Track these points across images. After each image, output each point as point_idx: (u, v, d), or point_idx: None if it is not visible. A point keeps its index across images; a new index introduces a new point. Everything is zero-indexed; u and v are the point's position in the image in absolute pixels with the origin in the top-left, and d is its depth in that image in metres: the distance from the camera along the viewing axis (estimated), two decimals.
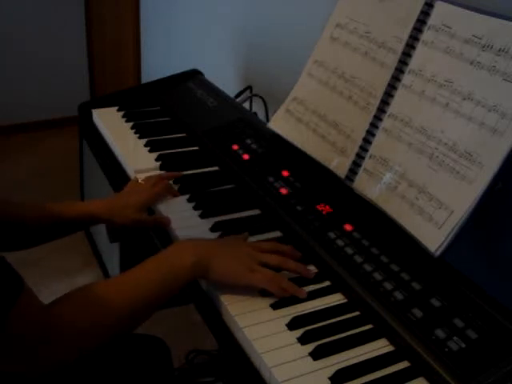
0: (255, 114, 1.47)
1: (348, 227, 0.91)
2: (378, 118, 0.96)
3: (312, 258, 0.89)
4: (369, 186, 0.94)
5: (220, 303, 0.79)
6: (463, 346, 0.70)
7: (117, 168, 1.21)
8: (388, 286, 0.79)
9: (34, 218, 0.97)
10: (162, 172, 1.14)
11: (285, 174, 1.06)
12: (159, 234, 0.98)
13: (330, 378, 0.68)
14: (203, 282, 0.84)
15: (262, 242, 0.88)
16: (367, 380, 0.69)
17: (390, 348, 0.74)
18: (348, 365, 0.70)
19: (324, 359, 0.71)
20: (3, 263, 0.65)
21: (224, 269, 0.80)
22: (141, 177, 1.10)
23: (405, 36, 0.94)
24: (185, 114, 1.38)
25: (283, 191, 1.01)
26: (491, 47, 0.82)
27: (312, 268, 0.87)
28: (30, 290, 0.67)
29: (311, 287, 0.83)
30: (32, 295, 0.68)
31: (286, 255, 0.84)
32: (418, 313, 0.74)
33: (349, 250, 0.86)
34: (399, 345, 0.73)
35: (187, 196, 1.05)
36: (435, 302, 0.76)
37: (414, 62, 0.92)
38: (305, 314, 0.77)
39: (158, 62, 2.58)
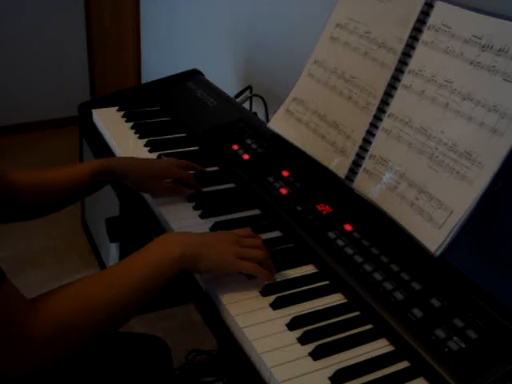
0: (255, 114, 1.47)
1: (348, 227, 0.91)
2: (378, 118, 0.96)
3: (312, 257, 0.89)
4: (369, 186, 0.94)
5: (220, 303, 0.79)
6: (463, 346, 0.70)
7: None
8: (388, 285, 0.79)
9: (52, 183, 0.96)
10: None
11: (285, 174, 1.06)
12: (159, 234, 0.98)
13: (330, 378, 0.68)
14: (202, 282, 0.84)
15: (241, 229, 0.88)
16: (367, 380, 0.69)
17: (390, 348, 0.74)
18: (348, 365, 0.70)
19: (324, 359, 0.71)
20: None
21: (214, 258, 0.79)
22: None
23: (405, 36, 0.94)
24: (185, 114, 1.38)
25: (283, 191, 1.01)
26: (491, 47, 0.82)
27: (312, 268, 0.88)
28: (12, 284, 0.66)
29: (311, 286, 0.83)
30: (14, 288, 0.66)
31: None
32: (418, 313, 0.74)
33: (349, 250, 0.86)
34: (399, 345, 0.73)
35: (187, 196, 1.04)
36: (435, 302, 0.76)
37: (414, 62, 0.92)
38: (305, 314, 0.77)
39: (159, 61, 2.58)
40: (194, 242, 0.80)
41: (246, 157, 1.13)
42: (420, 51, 0.92)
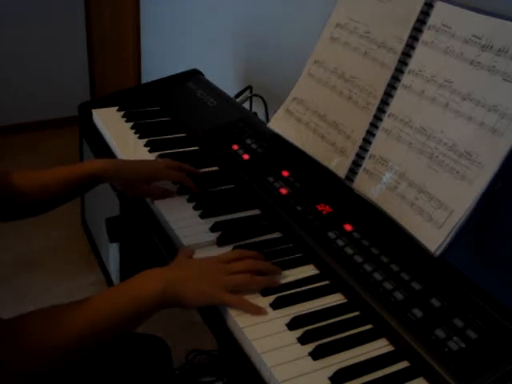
0: (255, 114, 1.47)
1: (348, 227, 0.91)
2: (378, 118, 0.96)
3: (312, 257, 0.89)
4: (369, 186, 0.94)
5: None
6: (463, 345, 0.70)
7: None
8: (388, 285, 0.79)
9: (41, 184, 0.97)
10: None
11: (285, 174, 1.06)
12: (159, 234, 0.98)
13: (330, 378, 0.68)
14: None
15: (228, 252, 0.86)
16: (367, 380, 0.69)
17: (390, 348, 0.74)
18: (348, 365, 0.70)
19: (324, 359, 0.71)
20: None
21: (196, 293, 0.77)
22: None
23: (405, 36, 0.94)
24: (185, 114, 1.38)
25: (283, 191, 1.01)
26: (491, 47, 0.82)
27: (312, 268, 0.88)
28: None
29: (311, 286, 0.83)
30: None
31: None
32: (418, 313, 0.74)
33: (349, 250, 0.86)
34: (399, 345, 0.73)
35: (187, 196, 1.05)
36: (435, 302, 0.76)
37: (414, 62, 0.92)
38: (305, 314, 0.77)
39: (158, 61, 2.58)
40: (177, 278, 0.78)
41: (245, 157, 1.13)
42: (420, 51, 0.92)
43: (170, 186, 1.07)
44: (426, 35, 0.91)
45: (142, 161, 1.10)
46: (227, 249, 0.90)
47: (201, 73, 1.56)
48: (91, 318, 0.72)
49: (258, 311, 0.77)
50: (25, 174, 0.96)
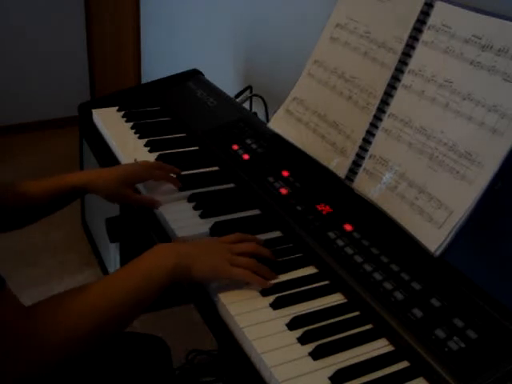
0: (255, 114, 1.47)
1: (348, 227, 0.91)
2: (377, 118, 0.96)
3: (312, 257, 0.89)
4: (369, 186, 0.94)
5: (220, 303, 0.79)
6: (463, 346, 0.70)
7: None
8: (388, 285, 0.79)
9: (24, 197, 0.96)
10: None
11: (285, 174, 1.06)
12: (159, 234, 0.98)
13: (330, 378, 0.68)
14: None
15: (229, 235, 0.88)
16: (367, 380, 0.69)
17: (390, 348, 0.74)
18: (348, 365, 0.70)
19: (324, 359, 0.71)
20: None
21: (206, 266, 0.80)
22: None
23: (405, 36, 0.94)
24: (185, 114, 1.38)
25: (283, 191, 1.01)
26: (491, 47, 0.82)
27: (312, 268, 0.88)
28: (10, 291, 0.67)
29: (311, 286, 0.83)
30: (12, 296, 0.67)
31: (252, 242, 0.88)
32: (418, 313, 0.74)
33: (349, 250, 0.86)
34: (399, 345, 0.73)
35: (187, 196, 1.04)
36: (435, 302, 0.76)
37: (414, 62, 0.92)
38: (305, 314, 0.77)
39: (158, 61, 2.58)
40: (187, 252, 0.81)
41: (245, 157, 1.13)
42: (420, 51, 0.92)
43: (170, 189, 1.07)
44: (426, 35, 0.91)
45: (120, 166, 1.08)
46: None
47: (201, 73, 1.56)
48: (106, 297, 0.73)
49: (263, 283, 0.81)
50: (8, 186, 0.96)
